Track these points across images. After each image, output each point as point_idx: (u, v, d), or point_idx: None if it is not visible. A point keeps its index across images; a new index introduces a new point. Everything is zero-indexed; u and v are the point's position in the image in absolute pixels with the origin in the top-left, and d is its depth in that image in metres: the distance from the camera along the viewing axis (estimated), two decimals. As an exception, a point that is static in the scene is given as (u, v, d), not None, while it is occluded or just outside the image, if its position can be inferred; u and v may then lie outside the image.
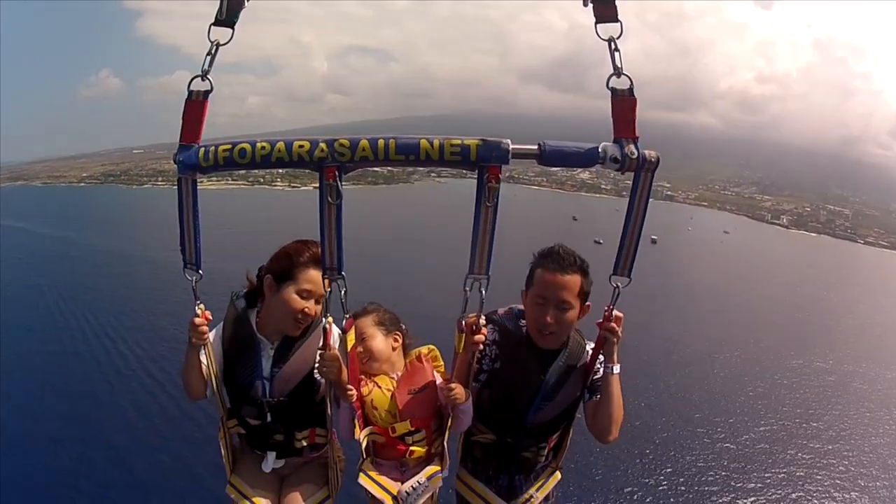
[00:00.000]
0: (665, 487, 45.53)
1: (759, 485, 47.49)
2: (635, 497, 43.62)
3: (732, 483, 47.29)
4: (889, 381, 73.68)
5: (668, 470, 47.61)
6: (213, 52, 3.66)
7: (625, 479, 44.99)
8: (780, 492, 46.81)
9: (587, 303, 4.54)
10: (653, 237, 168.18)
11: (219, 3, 3.60)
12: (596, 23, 3.51)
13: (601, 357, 4.59)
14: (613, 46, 3.51)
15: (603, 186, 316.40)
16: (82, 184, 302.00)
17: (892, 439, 57.60)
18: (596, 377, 4.66)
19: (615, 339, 4.40)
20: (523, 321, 4.71)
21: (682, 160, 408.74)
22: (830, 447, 54.82)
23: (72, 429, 48.16)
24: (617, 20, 3.50)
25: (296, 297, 4.44)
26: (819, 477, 49.93)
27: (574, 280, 4.40)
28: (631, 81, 3.54)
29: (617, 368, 4.48)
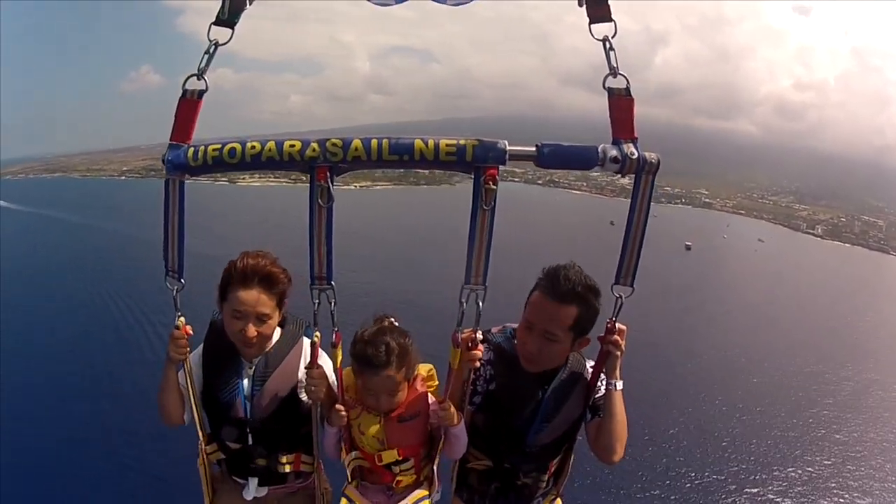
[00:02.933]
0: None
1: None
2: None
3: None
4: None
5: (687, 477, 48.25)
6: (211, 51, 3.61)
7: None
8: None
9: (585, 336, 4.23)
10: (687, 243, 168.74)
11: (220, 2, 3.54)
12: (590, 23, 3.48)
13: (603, 375, 4.30)
14: (608, 46, 3.48)
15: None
16: (123, 177, 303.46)
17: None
18: (598, 395, 4.38)
19: (618, 354, 4.13)
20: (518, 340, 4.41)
21: (723, 168, 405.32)
22: (847, 448, 57.35)
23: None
24: (611, 20, 3.47)
25: (230, 318, 4.22)
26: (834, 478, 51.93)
27: (568, 311, 4.03)
28: (627, 81, 3.51)
29: (620, 384, 4.21)
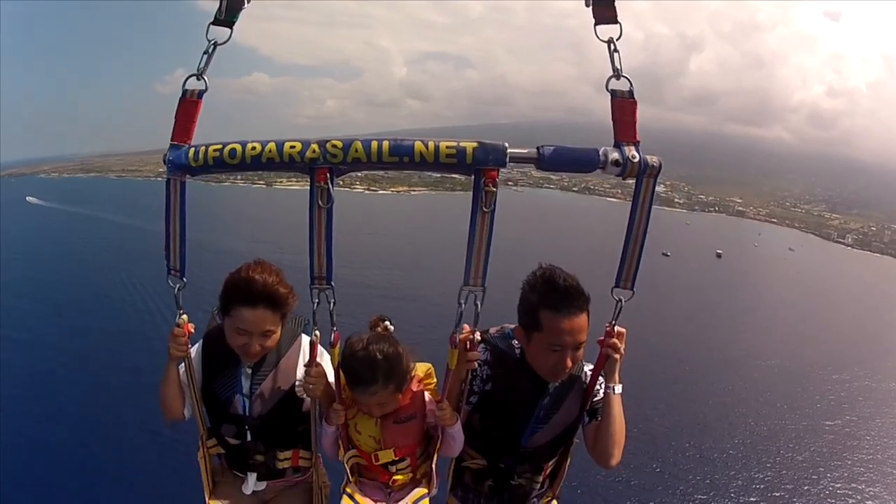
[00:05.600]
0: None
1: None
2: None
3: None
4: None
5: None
6: (210, 51, 3.64)
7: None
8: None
9: None
10: (718, 251, 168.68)
11: (218, 2, 3.57)
12: (595, 24, 3.49)
13: (601, 378, 4.27)
14: (613, 48, 3.48)
15: (676, 200, 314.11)
16: (160, 178, 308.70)
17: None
18: (596, 399, 4.33)
19: (617, 357, 4.10)
20: (516, 341, 4.33)
21: (757, 176, 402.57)
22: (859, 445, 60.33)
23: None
24: (616, 22, 3.47)
25: (233, 333, 4.14)
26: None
27: (586, 315, 3.97)
28: (631, 84, 3.50)
29: (619, 388, 4.19)
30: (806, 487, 51.93)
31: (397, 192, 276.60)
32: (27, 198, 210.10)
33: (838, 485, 52.91)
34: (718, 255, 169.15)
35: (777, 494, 50.43)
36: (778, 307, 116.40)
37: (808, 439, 59.91)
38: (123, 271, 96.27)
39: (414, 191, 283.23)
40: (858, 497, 51.75)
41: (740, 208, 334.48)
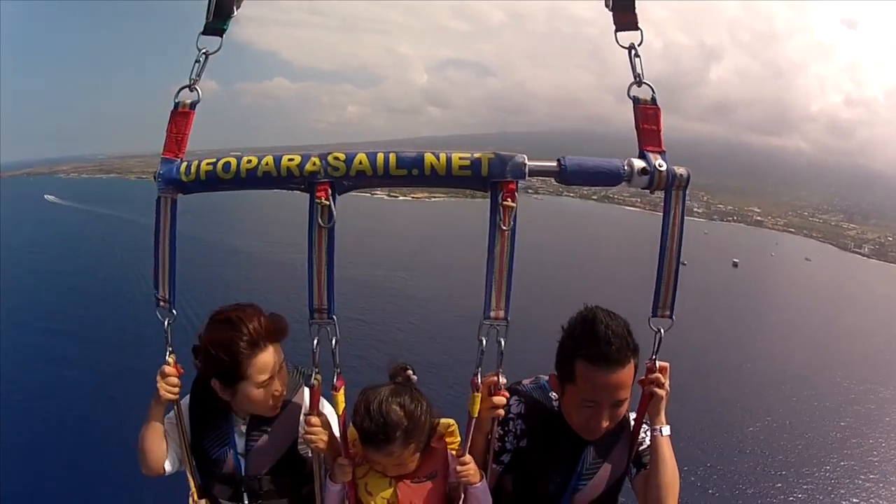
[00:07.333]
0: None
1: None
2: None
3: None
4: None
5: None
6: (201, 61, 3.49)
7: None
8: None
9: None
10: (734, 260, 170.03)
11: (206, 10, 3.43)
12: (616, 31, 3.34)
13: (645, 423, 3.79)
14: (634, 53, 3.33)
15: (695, 210, 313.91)
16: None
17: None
18: (642, 447, 3.83)
19: (662, 394, 3.60)
20: (554, 394, 3.86)
21: (776, 186, 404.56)
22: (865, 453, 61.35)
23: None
24: (637, 28, 3.33)
25: (257, 392, 3.67)
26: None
27: (629, 371, 3.45)
28: (653, 90, 3.32)
29: (667, 430, 3.66)
30: (812, 485, 53.95)
31: (414, 198, 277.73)
32: (45, 196, 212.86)
33: (845, 480, 55.33)
34: (735, 265, 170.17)
35: (792, 498, 51.80)
36: (794, 316, 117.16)
37: (816, 438, 62.24)
38: (137, 266, 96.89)
39: (433, 197, 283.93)
40: (864, 495, 53.46)
41: (758, 218, 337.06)
